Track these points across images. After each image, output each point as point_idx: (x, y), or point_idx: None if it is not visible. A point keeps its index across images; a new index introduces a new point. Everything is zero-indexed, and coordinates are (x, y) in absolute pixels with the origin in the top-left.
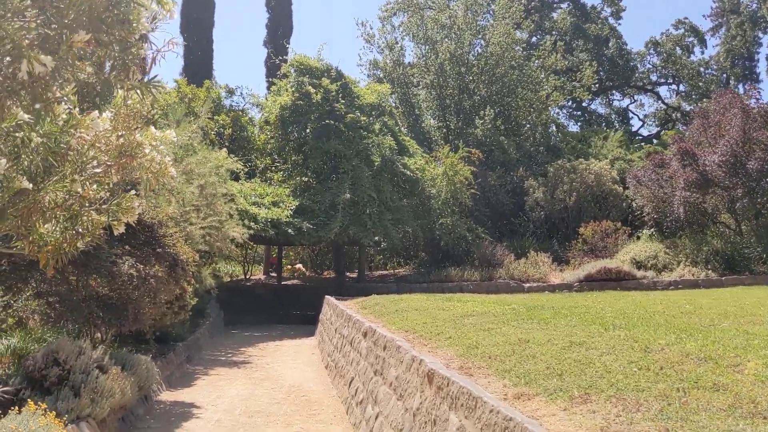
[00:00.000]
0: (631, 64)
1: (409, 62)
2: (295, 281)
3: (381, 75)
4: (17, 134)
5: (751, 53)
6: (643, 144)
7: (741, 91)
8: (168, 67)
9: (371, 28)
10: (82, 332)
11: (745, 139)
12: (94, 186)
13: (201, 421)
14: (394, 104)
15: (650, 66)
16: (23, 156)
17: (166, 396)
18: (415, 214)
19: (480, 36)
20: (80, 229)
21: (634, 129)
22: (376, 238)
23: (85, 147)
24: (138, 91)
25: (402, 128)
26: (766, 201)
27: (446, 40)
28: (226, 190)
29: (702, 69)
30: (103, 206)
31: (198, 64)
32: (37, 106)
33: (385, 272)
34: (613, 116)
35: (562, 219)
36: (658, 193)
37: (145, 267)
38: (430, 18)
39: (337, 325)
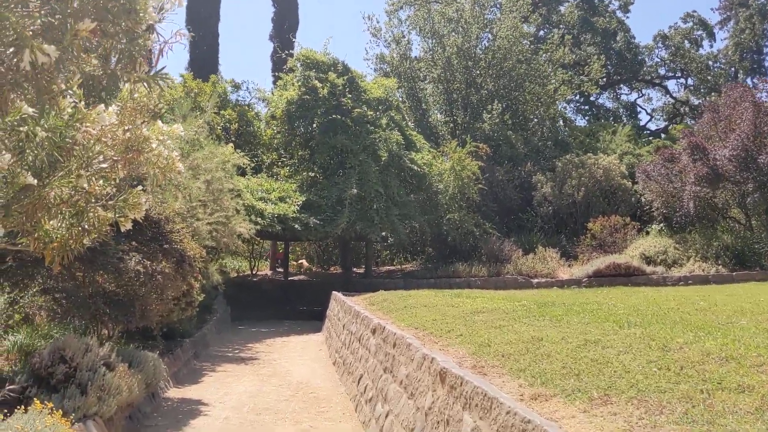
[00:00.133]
0: (639, 57)
1: (416, 56)
2: (301, 277)
3: (388, 69)
4: (22, 128)
5: (759, 46)
6: (651, 138)
7: (750, 84)
8: (174, 62)
9: (378, 22)
10: (88, 329)
11: (756, 133)
12: (101, 181)
13: (209, 419)
14: (400, 99)
15: (658, 60)
16: (28, 151)
17: (174, 393)
18: (423, 209)
19: (487, 30)
20: (86, 226)
21: (642, 123)
22: (383, 233)
23: (91, 141)
24: (145, 84)
25: (409, 123)
26: None
27: (453, 33)
28: (233, 186)
29: (710, 62)
30: (110, 202)
31: (204, 58)
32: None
33: (392, 268)
34: (620, 110)
35: (571, 214)
36: (668, 187)
37: (152, 263)
38: (437, 12)
39: (344, 321)
